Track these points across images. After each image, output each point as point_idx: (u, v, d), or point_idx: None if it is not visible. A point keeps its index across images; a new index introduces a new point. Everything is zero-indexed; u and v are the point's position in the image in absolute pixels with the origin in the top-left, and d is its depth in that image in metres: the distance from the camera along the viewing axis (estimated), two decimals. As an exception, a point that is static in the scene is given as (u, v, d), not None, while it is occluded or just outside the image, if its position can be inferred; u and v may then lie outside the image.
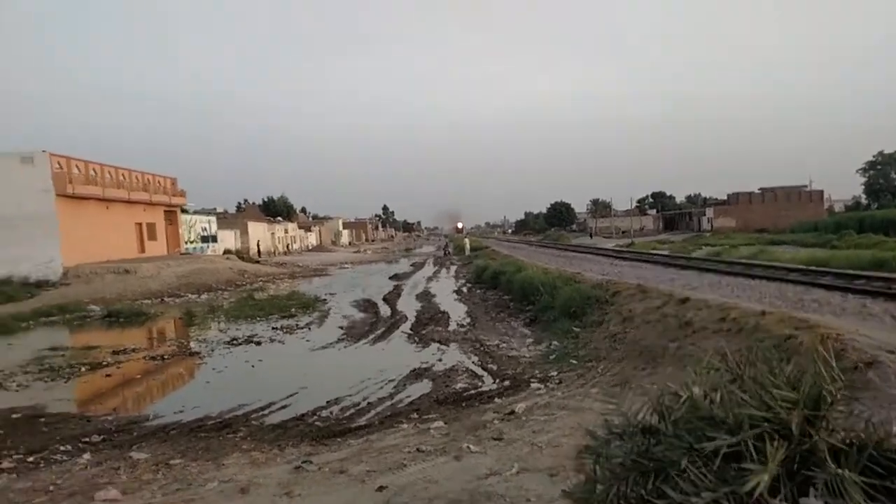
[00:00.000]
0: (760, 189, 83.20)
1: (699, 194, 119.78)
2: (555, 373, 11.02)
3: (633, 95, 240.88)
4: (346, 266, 50.15)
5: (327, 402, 9.97)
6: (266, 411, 9.73)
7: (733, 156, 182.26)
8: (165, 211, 44.74)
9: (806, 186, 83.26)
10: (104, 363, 13.91)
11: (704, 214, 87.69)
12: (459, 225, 74.96)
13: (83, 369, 13.28)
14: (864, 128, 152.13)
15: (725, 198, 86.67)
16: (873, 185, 78.57)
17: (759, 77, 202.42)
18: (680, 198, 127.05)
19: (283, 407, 9.93)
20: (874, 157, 78.65)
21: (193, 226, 49.66)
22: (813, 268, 19.25)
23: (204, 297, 27.62)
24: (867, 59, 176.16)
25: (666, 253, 35.14)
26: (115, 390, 12.07)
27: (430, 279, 35.46)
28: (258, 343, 15.69)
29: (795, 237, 48.93)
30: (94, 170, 35.58)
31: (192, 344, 16.12)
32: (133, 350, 15.37)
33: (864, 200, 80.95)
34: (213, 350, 15.07)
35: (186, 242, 47.40)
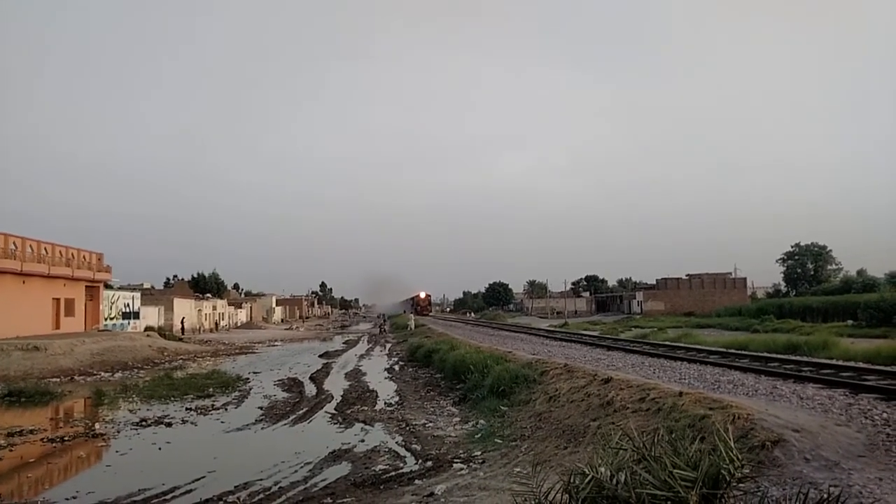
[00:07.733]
0: (688, 275, 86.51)
1: (630, 279, 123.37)
2: (479, 452, 10.79)
3: (575, 185, 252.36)
4: (276, 344, 48.75)
5: (235, 486, 9.38)
6: (168, 496, 9.06)
7: (662, 243, 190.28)
8: (87, 286, 42.94)
9: (731, 273, 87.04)
10: (-5, 446, 12.78)
11: (635, 298, 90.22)
12: (423, 294, 67.37)
13: (-31, 453, 12.13)
14: (783, 219, 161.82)
15: (654, 283, 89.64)
16: (791, 274, 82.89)
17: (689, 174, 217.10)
18: (612, 281, 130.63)
19: (188, 492, 9.28)
20: (792, 247, 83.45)
21: (115, 301, 47.60)
22: (732, 350, 19.87)
23: (118, 375, 26.12)
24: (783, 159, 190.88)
25: (596, 334, 35.71)
26: (5, 475, 11.04)
27: (362, 357, 34.77)
28: (169, 424, 14.80)
29: (721, 321, 50.71)
30: (14, 243, 33.95)
31: (97, 425, 15.05)
32: (31, 431, 14.25)
33: (783, 288, 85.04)
34: (118, 431, 14.11)
35: (106, 319, 45.29)
